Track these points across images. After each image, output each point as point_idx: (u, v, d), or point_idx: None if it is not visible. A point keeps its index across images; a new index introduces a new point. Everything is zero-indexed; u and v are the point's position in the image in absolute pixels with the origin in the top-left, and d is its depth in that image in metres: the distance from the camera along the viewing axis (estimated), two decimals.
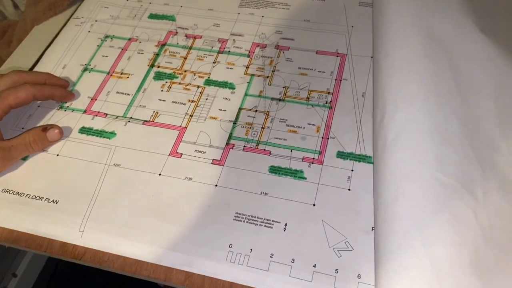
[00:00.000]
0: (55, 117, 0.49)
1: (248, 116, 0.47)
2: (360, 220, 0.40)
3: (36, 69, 0.54)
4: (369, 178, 0.42)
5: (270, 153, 0.44)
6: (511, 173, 0.38)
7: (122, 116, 0.49)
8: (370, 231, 0.39)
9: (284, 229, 0.40)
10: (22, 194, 0.43)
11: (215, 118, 0.48)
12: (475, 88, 0.43)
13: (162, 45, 0.55)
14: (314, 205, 0.41)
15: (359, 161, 0.43)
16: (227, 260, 0.38)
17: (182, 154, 0.45)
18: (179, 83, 0.51)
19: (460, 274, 0.34)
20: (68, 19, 0.60)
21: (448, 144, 0.39)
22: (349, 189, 0.41)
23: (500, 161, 0.39)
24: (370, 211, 0.40)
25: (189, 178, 0.43)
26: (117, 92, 0.51)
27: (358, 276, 0.37)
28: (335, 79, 0.49)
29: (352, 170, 0.43)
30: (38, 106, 0.50)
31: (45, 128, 0.45)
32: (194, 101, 0.49)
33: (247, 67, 0.52)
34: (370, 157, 0.43)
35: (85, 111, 0.50)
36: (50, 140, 0.46)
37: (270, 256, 0.38)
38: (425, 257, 0.34)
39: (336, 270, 0.37)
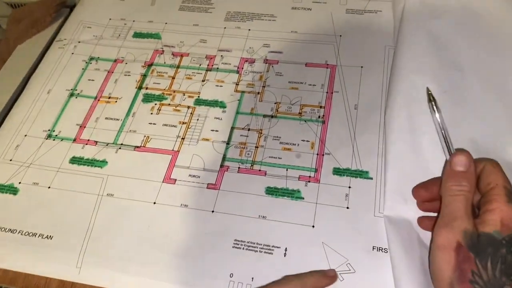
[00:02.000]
0: (44, 147, 0.48)
1: (241, 135, 0.47)
2: (360, 239, 0.39)
3: (22, 96, 0.53)
4: (367, 194, 0.42)
5: (265, 173, 0.44)
6: None
7: (113, 143, 0.48)
8: (371, 250, 0.38)
9: (285, 255, 0.39)
10: (15, 231, 0.43)
11: (207, 140, 0.47)
12: None
13: (149, 65, 0.54)
14: (313, 226, 0.40)
15: (356, 177, 0.43)
16: None
17: (176, 179, 0.44)
18: (169, 104, 0.50)
19: None
20: (52, 38, 0.58)
21: None
22: (347, 207, 0.41)
23: None
24: (369, 229, 0.40)
25: (185, 205, 0.42)
26: (106, 118, 0.50)
27: None
28: (326, 92, 0.49)
29: (349, 187, 0.42)
30: (25, 135, 0.49)
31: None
32: (185, 123, 0.48)
33: (237, 84, 0.51)
34: (366, 172, 0.43)
35: (74, 140, 0.49)
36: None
37: None
38: None
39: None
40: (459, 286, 0.30)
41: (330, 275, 0.37)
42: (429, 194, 0.38)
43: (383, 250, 0.38)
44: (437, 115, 0.37)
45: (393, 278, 0.36)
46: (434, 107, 0.37)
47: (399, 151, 0.42)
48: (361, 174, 0.43)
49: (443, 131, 0.36)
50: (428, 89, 0.39)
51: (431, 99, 0.38)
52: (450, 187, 0.33)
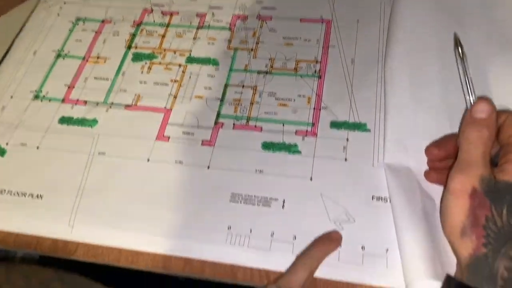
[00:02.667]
0: (32, 108, 0.47)
1: (235, 92, 0.45)
2: (359, 190, 0.38)
3: (6, 58, 0.51)
4: (365, 146, 0.41)
5: (261, 129, 0.43)
6: None
7: (103, 102, 0.46)
8: (370, 200, 0.38)
9: (283, 207, 0.38)
10: (4, 191, 0.41)
11: (200, 97, 0.45)
12: None
13: (138, 24, 0.52)
14: (311, 179, 0.39)
15: (354, 130, 0.42)
16: (226, 242, 0.37)
17: (169, 137, 0.43)
18: (159, 63, 0.49)
19: None
20: (36, 5, 0.56)
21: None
22: (345, 159, 0.40)
23: None
24: (368, 180, 0.39)
25: (180, 162, 0.41)
26: (95, 78, 0.48)
27: (362, 247, 0.36)
28: (322, 47, 0.47)
29: (347, 140, 0.41)
30: (11, 96, 0.48)
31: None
32: (177, 81, 0.47)
33: (230, 41, 0.49)
34: (364, 124, 0.42)
35: (63, 100, 0.47)
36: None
37: (271, 235, 0.37)
38: None
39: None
40: (471, 230, 0.29)
41: (336, 238, 0.36)
42: (442, 152, 0.37)
43: (383, 199, 0.38)
44: (463, 61, 0.36)
45: (394, 225, 0.36)
46: (461, 53, 0.36)
47: (399, 100, 0.41)
48: (359, 126, 0.42)
49: (466, 79, 0.35)
50: (455, 34, 0.37)
51: (457, 44, 0.37)
52: (470, 133, 0.32)
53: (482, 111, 0.32)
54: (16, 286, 0.33)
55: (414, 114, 0.41)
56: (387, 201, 0.38)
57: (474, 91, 0.35)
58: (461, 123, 0.33)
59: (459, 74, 0.36)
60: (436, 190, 0.37)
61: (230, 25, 0.51)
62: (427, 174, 0.38)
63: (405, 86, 0.42)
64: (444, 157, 0.37)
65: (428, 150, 0.38)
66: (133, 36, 0.51)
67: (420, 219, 0.35)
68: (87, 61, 0.50)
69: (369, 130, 0.42)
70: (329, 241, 0.36)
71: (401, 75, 0.42)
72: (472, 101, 0.34)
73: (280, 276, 0.34)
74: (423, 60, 0.43)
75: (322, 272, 0.35)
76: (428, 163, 0.38)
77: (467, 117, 0.33)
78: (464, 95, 0.35)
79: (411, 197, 0.36)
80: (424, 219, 0.35)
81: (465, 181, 0.30)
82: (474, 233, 0.29)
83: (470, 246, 0.29)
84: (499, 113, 0.33)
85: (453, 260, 0.32)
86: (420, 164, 0.38)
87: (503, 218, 0.29)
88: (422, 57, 0.43)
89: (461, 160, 0.31)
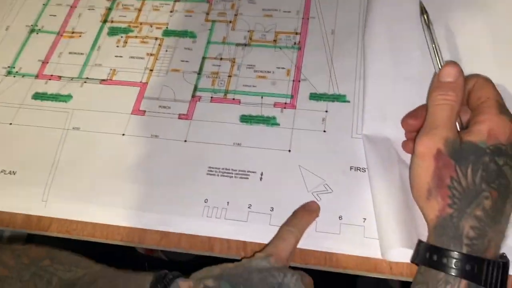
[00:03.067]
0: (4, 84, 0.45)
1: (213, 65, 0.44)
2: (337, 160, 0.38)
3: None
4: (344, 117, 0.40)
5: (239, 102, 0.42)
6: None
7: (78, 77, 0.45)
8: (348, 170, 0.37)
9: (261, 179, 0.38)
10: None
11: (177, 71, 0.44)
12: None
13: None
14: (289, 151, 0.39)
15: (333, 101, 0.41)
16: (203, 215, 0.36)
17: (145, 111, 0.42)
18: (136, 36, 0.47)
19: None
20: None
21: None
22: (324, 131, 0.40)
23: None
24: (347, 151, 0.38)
25: (155, 136, 0.41)
26: (70, 53, 0.47)
27: (339, 217, 0.35)
28: (302, 18, 0.46)
29: (326, 111, 0.41)
30: None
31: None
32: (153, 54, 0.46)
33: (207, 13, 0.48)
34: (344, 96, 0.41)
35: (37, 76, 0.46)
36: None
37: (248, 207, 0.36)
38: None
39: None
40: (437, 191, 0.29)
41: (315, 209, 0.36)
42: (418, 122, 0.36)
43: (361, 169, 0.37)
44: (429, 28, 0.36)
45: (371, 195, 0.35)
46: (426, 20, 0.36)
47: (379, 69, 0.41)
48: (338, 97, 0.41)
49: (434, 45, 0.35)
50: (420, 2, 0.38)
51: (423, 12, 0.37)
52: (436, 96, 0.31)
53: (448, 75, 0.32)
54: (7, 266, 0.32)
55: (394, 82, 0.40)
56: (365, 171, 0.37)
57: (441, 57, 0.35)
58: (429, 88, 0.33)
59: (426, 40, 0.35)
60: None
61: None
62: (404, 145, 0.37)
63: (384, 54, 0.41)
64: (420, 127, 0.36)
65: (404, 121, 0.37)
66: (109, 10, 0.50)
67: (397, 189, 0.35)
68: (61, 36, 0.49)
69: (348, 101, 0.41)
70: (309, 212, 0.35)
71: (381, 43, 0.42)
72: (440, 67, 0.34)
73: (268, 244, 0.34)
74: (403, 28, 0.42)
75: (300, 242, 0.34)
76: (406, 134, 0.38)
77: (434, 81, 0.32)
78: (432, 60, 0.35)
79: (388, 167, 0.36)
80: (401, 189, 0.35)
81: (430, 143, 0.30)
82: (439, 194, 0.29)
83: (436, 208, 0.29)
84: (468, 78, 0.32)
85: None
86: (399, 133, 0.38)
87: (468, 178, 0.28)
88: (402, 25, 0.43)
89: (427, 124, 0.31)
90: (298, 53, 0.44)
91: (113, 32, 0.48)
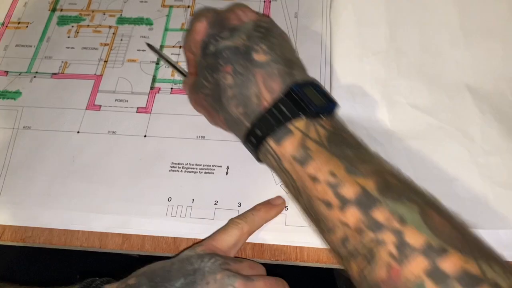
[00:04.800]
0: None
1: (172, 54, 0.42)
2: None
3: None
4: None
5: None
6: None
7: (26, 72, 0.42)
8: None
9: (227, 173, 0.36)
10: None
11: (134, 61, 0.42)
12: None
13: None
14: None
15: None
16: (167, 215, 0.35)
17: (101, 106, 0.40)
18: (88, 25, 0.44)
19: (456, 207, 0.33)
20: None
21: (443, 91, 0.37)
22: None
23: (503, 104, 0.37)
24: None
25: (113, 132, 0.38)
26: (17, 45, 0.44)
27: None
28: (264, 1, 0.44)
29: None
30: None
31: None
32: (107, 44, 0.43)
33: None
34: None
35: None
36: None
37: (215, 204, 0.35)
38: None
39: (287, 207, 0.34)
40: None
41: (278, 203, 0.34)
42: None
43: None
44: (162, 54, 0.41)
45: None
46: (155, 51, 0.41)
47: (345, 46, 0.40)
48: None
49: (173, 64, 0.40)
50: (148, 44, 0.41)
51: (151, 48, 0.41)
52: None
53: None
54: None
55: (361, 60, 0.39)
56: None
57: (182, 68, 0.39)
58: None
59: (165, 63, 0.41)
60: (385, 136, 0.36)
61: None
62: None
63: (351, 31, 0.40)
64: None
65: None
66: None
67: None
68: (6, 26, 0.45)
69: None
70: (269, 207, 0.34)
71: (347, 20, 0.41)
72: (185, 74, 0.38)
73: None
74: (369, 4, 0.41)
75: (269, 238, 0.33)
76: None
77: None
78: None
79: None
80: None
81: None
82: None
83: None
84: None
85: None
86: (368, 111, 0.37)
87: None
88: (368, 1, 0.41)
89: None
90: None
91: (63, 21, 0.45)
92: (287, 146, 0.27)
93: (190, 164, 0.37)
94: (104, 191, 0.36)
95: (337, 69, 0.39)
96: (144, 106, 0.39)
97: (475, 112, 0.37)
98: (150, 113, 0.39)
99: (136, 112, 0.39)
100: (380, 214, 0.24)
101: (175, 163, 0.37)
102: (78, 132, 0.38)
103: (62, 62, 0.42)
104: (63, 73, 0.42)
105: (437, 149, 0.36)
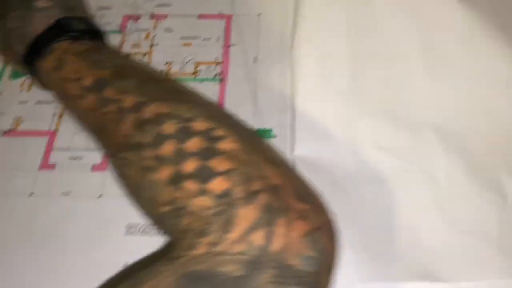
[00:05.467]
0: None
1: None
2: None
3: None
4: None
5: None
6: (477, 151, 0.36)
7: None
8: None
9: None
10: None
11: None
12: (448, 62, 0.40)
13: None
14: None
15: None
16: None
17: (55, 164, 0.38)
18: None
19: (418, 257, 0.32)
20: None
21: (408, 130, 0.37)
22: None
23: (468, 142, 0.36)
24: None
25: (66, 194, 0.37)
26: None
27: None
28: (223, 46, 0.44)
29: None
30: None
31: None
32: None
33: (121, 46, 0.44)
34: (270, 130, 0.39)
35: None
36: None
37: None
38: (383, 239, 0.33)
39: None
40: None
41: None
42: None
43: None
44: None
45: None
46: None
47: (308, 87, 0.39)
48: (264, 133, 0.39)
49: None
50: None
51: None
52: None
53: None
54: None
55: (324, 100, 0.39)
56: None
57: None
58: None
59: None
60: (349, 180, 0.35)
61: (120, 27, 0.45)
62: None
63: (313, 71, 0.40)
64: None
65: None
66: None
67: None
68: None
69: (274, 136, 0.39)
70: None
71: (308, 60, 0.40)
72: None
73: None
74: (331, 43, 0.41)
75: None
76: None
77: None
78: None
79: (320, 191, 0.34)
80: None
81: None
82: None
83: None
84: None
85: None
86: (332, 154, 0.36)
87: None
88: (331, 39, 0.41)
89: None
90: (220, 85, 0.41)
91: (16, 74, 0.43)
92: (49, 61, 0.31)
93: (148, 225, 0.35)
94: (58, 260, 0.34)
95: (300, 111, 0.38)
96: (100, 162, 0.38)
97: (440, 152, 0.36)
98: (105, 170, 0.38)
99: (91, 170, 0.38)
100: (109, 92, 0.28)
101: (132, 225, 0.35)
102: (31, 195, 0.37)
103: (14, 118, 0.41)
104: (15, 130, 0.40)
105: (402, 194, 0.35)
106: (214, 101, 0.32)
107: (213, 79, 0.42)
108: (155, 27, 0.45)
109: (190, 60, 0.43)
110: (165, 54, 0.43)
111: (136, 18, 0.46)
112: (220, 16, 0.45)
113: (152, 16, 0.46)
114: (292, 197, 0.23)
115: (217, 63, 0.42)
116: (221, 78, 0.42)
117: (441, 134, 0.36)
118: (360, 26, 0.40)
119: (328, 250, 0.23)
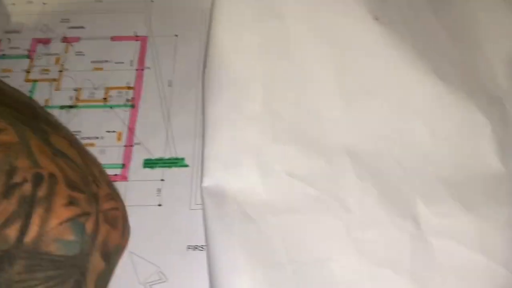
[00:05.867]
0: None
1: None
2: (174, 240, 0.34)
3: None
4: (182, 185, 0.36)
5: None
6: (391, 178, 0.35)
7: None
8: (185, 250, 0.33)
9: None
10: None
11: None
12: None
13: None
14: None
15: (170, 167, 0.37)
16: None
17: None
18: None
19: None
20: None
21: (321, 155, 0.35)
22: (159, 205, 0.35)
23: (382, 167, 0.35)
24: (185, 227, 0.34)
25: None
26: None
27: None
28: (136, 69, 0.42)
29: (162, 180, 0.36)
30: None
31: None
32: None
33: (28, 72, 0.42)
34: (182, 159, 0.37)
35: None
36: None
37: None
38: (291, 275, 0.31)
39: None
40: None
41: None
42: None
43: (199, 248, 0.33)
44: None
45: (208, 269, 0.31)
46: None
47: (218, 111, 0.37)
48: (176, 162, 0.37)
49: None
50: None
51: None
52: None
53: None
54: None
55: (234, 126, 0.36)
56: (204, 249, 0.33)
57: None
58: None
59: None
60: (258, 211, 0.33)
61: (29, 51, 0.43)
62: None
63: (223, 95, 0.38)
64: None
65: None
66: None
67: (239, 251, 0.31)
68: None
69: (187, 166, 0.37)
70: None
71: (219, 83, 0.38)
72: None
73: None
74: (243, 65, 0.39)
75: None
76: None
77: None
78: None
79: (228, 224, 0.32)
80: (243, 250, 0.31)
81: None
82: None
83: None
84: None
85: None
86: (241, 183, 0.34)
87: None
88: (243, 62, 0.39)
89: None
90: (131, 111, 0.39)
91: None
92: None
93: None
94: None
95: (209, 137, 0.36)
96: None
97: (353, 178, 0.35)
98: None
99: None
100: None
101: None
102: None
103: None
104: None
105: (313, 224, 0.33)
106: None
107: (124, 105, 0.40)
108: (66, 51, 0.43)
109: (101, 85, 0.41)
110: (74, 80, 0.41)
111: (46, 41, 0.43)
112: (135, 37, 0.43)
113: (64, 39, 0.43)
114: (62, 185, 0.23)
115: (129, 88, 0.40)
116: (133, 104, 0.40)
117: (354, 159, 0.35)
118: (274, 49, 0.39)
119: (94, 232, 0.24)
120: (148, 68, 0.42)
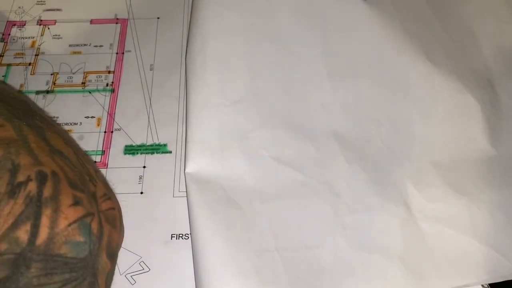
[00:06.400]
0: None
1: None
2: (156, 229, 0.32)
3: None
4: (165, 172, 0.34)
5: None
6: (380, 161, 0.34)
7: None
8: (169, 240, 0.32)
9: None
10: None
11: None
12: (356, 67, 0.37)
13: None
14: None
15: (152, 153, 0.35)
16: None
17: None
18: None
19: (316, 279, 0.29)
20: None
21: (308, 139, 0.34)
22: (141, 192, 0.34)
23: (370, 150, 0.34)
24: (168, 215, 0.33)
25: None
26: None
27: None
28: (116, 53, 0.40)
29: (144, 167, 0.35)
30: None
31: None
32: None
33: (2, 56, 0.40)
34: (164, 145, 0.35)
35: None
36: None
37: None
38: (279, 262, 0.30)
39: None
40: None
41: None
42: None
43: (183, 236, 0.32)
44: None
45: (192, 258, 0.30)
46: None
47: (201, 96, 0.35)
48: (158, 148, 0.35)
49: None
50: None
51: None
52: None
53: None
54: None
55: (219, 110, 0.35)
56: (188, 237, 0.32)
57: None
58: None
59: None
60: (245, 197, 0.32)
61: (3, 35, 0.41)
62: None
63: (207, 79, 0.36)
64: None
65: None
66: None
67: (223, 239, 0.30)
68: None
69: (170, 152, 0.35)
70: None
71: (203, 66, 0.36)
72: None
73: None
74: (228, 47, 0.37)
75: None
76: None
77: None
78: None
79: (214, 209, 0.31)
80: (226, 237, 0.30)
81: None
82: None
83: None
84: None
85: None
86: (227, 168, 0.33)
87: None
88: (227, 44, 0.38)
89: None
90: (111, 96, 0.38)
91: None
92: None
93: None
94: None
95: (193, 122, 0.35)
96: None
97: (342, 162, 0.34)
98: None
99: None
100: None
101: None
102: None
103: None
104: None
105: (301, 210, 0.32)
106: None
107: (103, 89, 0.38)
108: (42, 34, 0.41)
109: (79, 69, 0.39)
110: (51, 64, 0.39)
111: (21, 24, 0.41)
112: (115, 20, 0.41)
113: (39, 22, 0.41)
114: (65, 184, 0.22)
115: (109, 72, 0.39)
116: (113, 89, 0.38)
117: (343, 143, 0.34)
118: (260, 31, 0.38)
119: (100, 233, 0.23)
120: (129, 51, 0.40)
